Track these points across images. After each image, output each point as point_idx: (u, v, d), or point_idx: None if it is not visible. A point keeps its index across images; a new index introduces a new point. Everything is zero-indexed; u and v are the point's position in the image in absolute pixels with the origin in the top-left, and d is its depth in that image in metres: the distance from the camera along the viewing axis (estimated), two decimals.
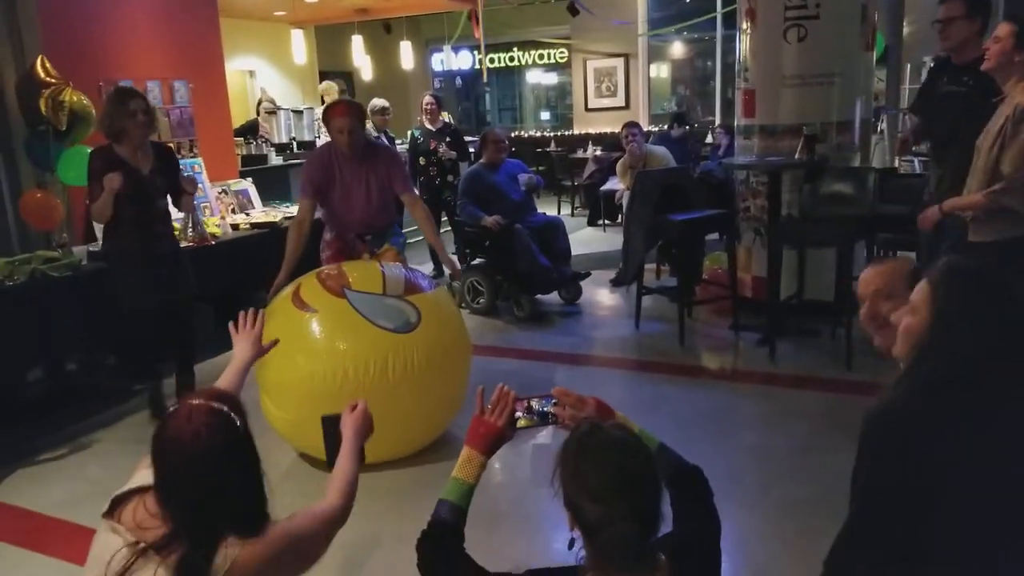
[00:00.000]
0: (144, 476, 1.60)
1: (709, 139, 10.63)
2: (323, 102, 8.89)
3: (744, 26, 5.39)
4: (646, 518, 1.33)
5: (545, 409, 1.69)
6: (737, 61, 5.61)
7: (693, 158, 8.56)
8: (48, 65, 4.99)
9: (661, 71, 12.99)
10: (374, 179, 4.18)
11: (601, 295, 6.57)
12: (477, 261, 6.21)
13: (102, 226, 4.21)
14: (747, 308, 5.31)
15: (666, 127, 9.73)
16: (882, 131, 8.55)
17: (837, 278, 4.85)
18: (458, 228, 6.33)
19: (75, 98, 4.97)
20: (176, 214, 5.07)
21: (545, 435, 2.27)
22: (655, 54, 12.55)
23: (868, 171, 5.22)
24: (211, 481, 1.47)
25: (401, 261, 4.18)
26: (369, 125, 6.95)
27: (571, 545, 1.39)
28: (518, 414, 1.69)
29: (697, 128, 11.61)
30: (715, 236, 6.03)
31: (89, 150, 4.21)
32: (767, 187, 5.06)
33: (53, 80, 4.96)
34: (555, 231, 6.14)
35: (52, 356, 4.58)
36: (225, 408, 1.52)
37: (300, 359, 3.43)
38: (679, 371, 4.76)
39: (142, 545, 1.48)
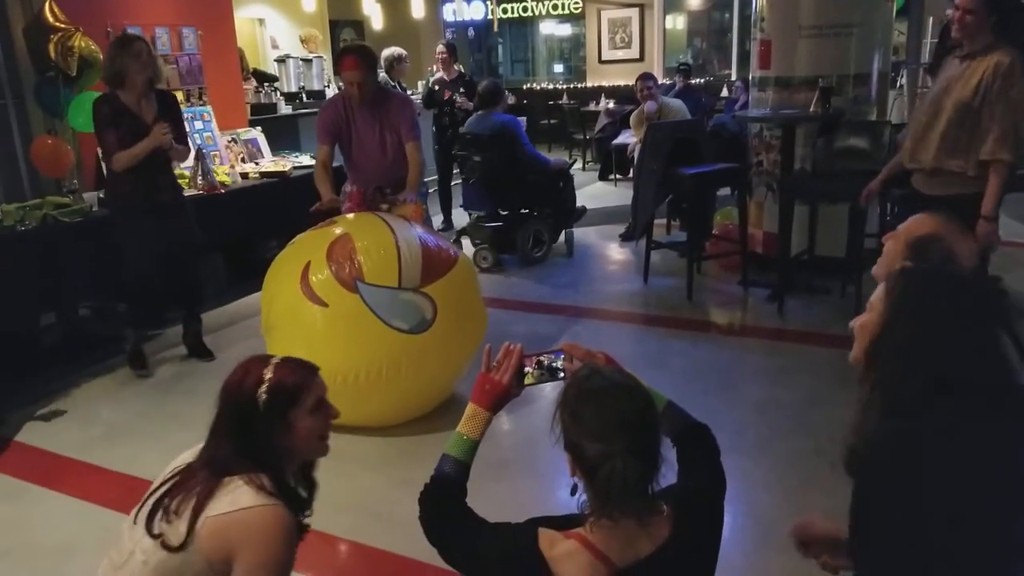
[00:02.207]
0: None
1: (724, 92, 10.47)
2: (302, 45, 8.87)
3: None
4: (646, 456, 1.34)
5: (555, 365, 1.68)
6: (753, 11, 5.50)
7: (706, 111, 8.44)
8: (57, 10, 4.94)
9: (677, 22, 12.74)
10: (388, 129, 4.11)
11: (610, 249, 6.55)
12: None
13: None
14: (757, 264, 5.29)
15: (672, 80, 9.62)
16: (901, 86, 8.40)
17: (849, 235, 4.81)
18: (483, 183, 6.05)
19: (84, 44, 4.94)
20: (188, 162, 5.08)
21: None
22: (671, 5, 12.30)
23: (884, 125, 5.13)
24: (225, 408, 1.70)
25: (422, 212, 4.04)
26: (384, 77, 6.85)
27: (573, 491, 1.39)
28: (526, 370, 1.68)
29: (713, 81, 11.44)
30: (726, 191, 5.99)
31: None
32: (781, 141, 4.99)
33: (62, 25, 4.92)
34: None
35: (64, 302, 4.62)
36: (269, 376, 1.68)
37: (309, 354, 3.28)
38: (687, 326, 4.77)
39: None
